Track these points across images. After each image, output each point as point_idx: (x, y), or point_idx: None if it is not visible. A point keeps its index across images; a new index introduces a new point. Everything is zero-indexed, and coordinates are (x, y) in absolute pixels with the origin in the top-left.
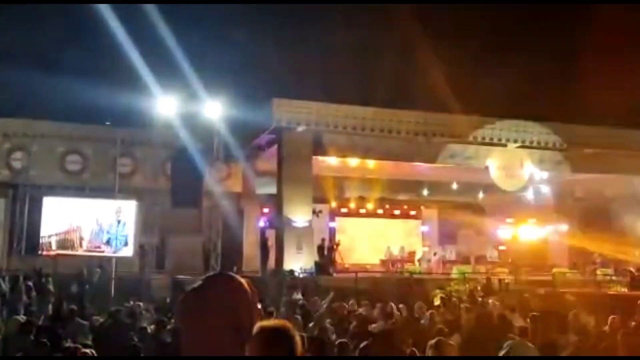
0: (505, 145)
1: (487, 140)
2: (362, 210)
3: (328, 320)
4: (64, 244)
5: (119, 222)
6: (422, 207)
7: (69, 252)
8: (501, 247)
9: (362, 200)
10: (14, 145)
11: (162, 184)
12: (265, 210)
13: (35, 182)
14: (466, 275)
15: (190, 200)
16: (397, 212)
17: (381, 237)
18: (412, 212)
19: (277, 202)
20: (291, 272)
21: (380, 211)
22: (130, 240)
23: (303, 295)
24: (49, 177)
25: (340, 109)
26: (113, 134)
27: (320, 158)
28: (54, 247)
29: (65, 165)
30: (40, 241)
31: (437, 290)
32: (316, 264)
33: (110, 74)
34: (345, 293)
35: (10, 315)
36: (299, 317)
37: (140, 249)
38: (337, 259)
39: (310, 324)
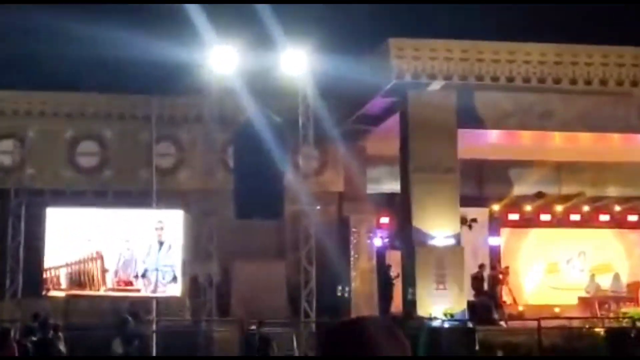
0: None
1: None
2: (545, 217)
3: None
4: (78, 279)
5: (160, 244)
6: None
7: (87, 291)
8: None
9: (543, 199)
10: (0, 130)
11: (220, 183)
12: (384, 220)
13: (33, 185)
14: None
15: (264, 207)
16: (604, 217)
17: (579, 260)
18: (632, 218)
19: (401, 206)
20: (430, 319)
21: (575, 217)
22: (178, 272)
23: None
24: (53, 177)
25: (500, 47)
26: (146, 108)
27: (469, 132)
28: (64, 284)
29: (76, 158)
30: (44, 275)
31: None
32: (471, 306)
33: (139, 15)
34: (520, 353)
35: None
36: None
37: (193, 284)
38: (506, 297)
39: None
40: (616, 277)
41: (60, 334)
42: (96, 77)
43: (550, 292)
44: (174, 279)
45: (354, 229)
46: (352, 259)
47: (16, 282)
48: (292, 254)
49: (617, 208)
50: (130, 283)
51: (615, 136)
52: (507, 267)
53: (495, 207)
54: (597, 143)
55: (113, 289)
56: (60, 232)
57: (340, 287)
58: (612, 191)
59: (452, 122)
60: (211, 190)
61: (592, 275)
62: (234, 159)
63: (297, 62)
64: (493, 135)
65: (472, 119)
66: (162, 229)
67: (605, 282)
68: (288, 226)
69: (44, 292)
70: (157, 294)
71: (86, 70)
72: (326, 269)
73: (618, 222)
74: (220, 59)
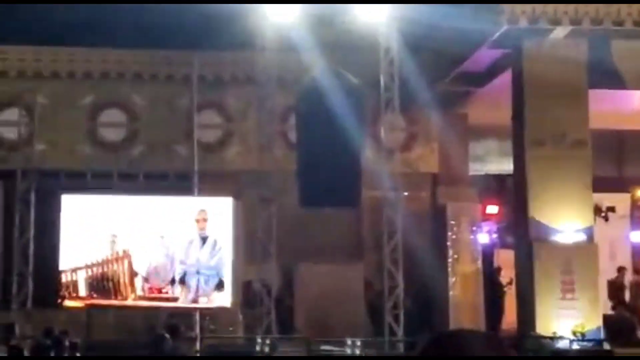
0: None
1: None
2: None
3: None
4: (101, 285)
5: (203, 240)
6: None
7: (112, 301)
8: None
9: None
10: (2, 96)
11: (280, 162)
12: (491, 209)
13: (44, 164)
14: None
15: (336, 194)
16: None
17: None
18: None
19: (515, 191)
20: (553, 339)
21: None
22: (227, 277)
23: None
24: (68, 155)
25: None
26: (185, 67)
27: (604, 94)
28: (83, 291)
29: (98, 130)
30: (62, 278)
31: None
32: (607, 321)
33: None
34: None
35: None
36: None
37: (246, 292)
38: None
39: None
40: None
41: (78, 354)
42: (122, 28)
43: None
44: (220, 285)
45: (452, 222)
46: (450, 260)
47: (25, 288)
48: (372, 254)
49: None
50: (165, 291)
51: None
52: None
53: None
54: None
55: (144, 298)
56: (79, 224)
57: (434, 296)
58: None
59: (581, 81)
60: (268, 172)
61: None
62: (297, 131)
63: (378, 6)
64: (637, 98)
65: (608, 77)
66: (205, 220)
67: None
68: (367, 218)
69: (58, 300)
70: (200, 304)
71: (109, 20)
72: (416, 273)
73: None
74: (278, 3)
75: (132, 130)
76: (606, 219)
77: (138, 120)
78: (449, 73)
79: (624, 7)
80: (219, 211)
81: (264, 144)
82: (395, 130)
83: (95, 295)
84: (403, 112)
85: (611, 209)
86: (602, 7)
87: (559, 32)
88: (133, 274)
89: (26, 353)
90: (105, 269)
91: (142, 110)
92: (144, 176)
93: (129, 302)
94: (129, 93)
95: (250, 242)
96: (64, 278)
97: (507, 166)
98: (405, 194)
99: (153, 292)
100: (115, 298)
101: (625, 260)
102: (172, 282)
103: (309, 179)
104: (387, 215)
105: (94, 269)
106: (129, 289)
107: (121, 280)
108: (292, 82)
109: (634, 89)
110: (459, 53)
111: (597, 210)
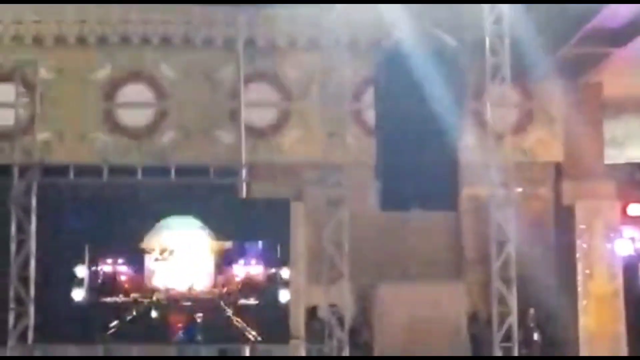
0: None
1: None
2: None
3: None
4: None
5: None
6: None
7: None
8: None
9: None
10: None
11: (354, 152)
12: (634, 209)
13: (48, 157)
14: None
15: (427, 192)
16: None
17: None
18: None
19: None
20: None
21: None
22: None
23: None
24: (79, 145)
25: None
26: (228, 27)
27: None
28: None
29: (116, 112)
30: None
31: None
32: None
33: None
34: None
35: None
36: None
37: (311, 319)
38: None
39: None
40: None
41: None
42: None
43: None
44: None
45: (582, 226)
46: (580, 277)
47: (25, 319)
48: (476, 269)
49: None
50: None
51: None
52: None
53: None
54: None
55: None
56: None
57: (558, 326)
58: None
59: None
60: (338, 165)
61: None
62: (377, 111)
63: None
64: None
65: None
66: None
67: None
68: (468, 223)
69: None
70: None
71: None
72: (533, 293)
73: None
74: None
75: (160, 112)
76: None
77: (168, 99)
78: (575, 32)
79: None
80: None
81: (332, 129)
82: (505, 108)
83: None
84: (515, 83)
85: None
86: None
87: None
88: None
89: None
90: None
91: (173, 85)
92: (177, 171)
93: None
94: (156, 63)
95: (315, 255)
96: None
97: None
98: (519, 191)
99: None
100: None
101: None
102: None
103: (391, 174)
104: (495, 219)
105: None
106: None
107: None
108: (368, 47)
109: None
110: (587, 5)
111: None
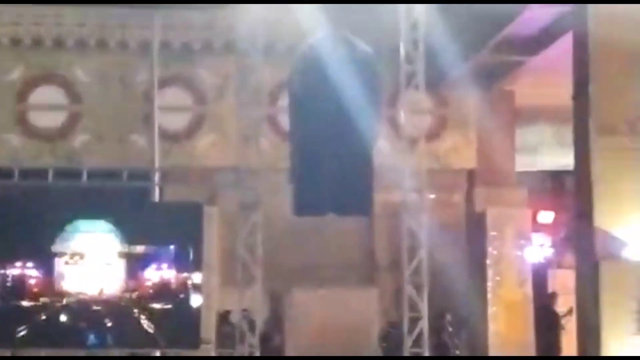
0: None
1: None
2: None
3: None
4: None
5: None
6: None
7: None
8: None
9: None
10: None
11: (268, 156)
12: (544, 217)
13: None
14: None
15: (341, 197)
16: None
17: None
18: None
19: (576, 194)
20: None
21: None
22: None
23: None
24: None
25: None
26: (143, 30)
27: None
28: None
29: (28, 114)
30: None
31: None
32: None
33: None
34: None
35: None
36: None
37: (222, 325)
38: None
39: None
40: None
41: None
42: None
43: None
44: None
45: (493, 233)
46: (490, 283)
47: None
48: (388, 275)
49: None
50: None
51: None
52: None
53: None
54: None
55: None
56: None
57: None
58: None
59: None
60: (252, 170)
61: None
62: (291, 116)
63: None
64: None
65: None
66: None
67: None
68: (381, 229)
69: None
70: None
71: None
72: (446, 300)
73: None
74: None
75: (73, 115)
76: None
77: (82, 102)
78: (490, 39)
79: None
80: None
81: (247, 133)
82: (419, 114)
83: None
84: (430, 90)
85: None
86: None
87: None
88: None
89: None
90: None
91: (87, 88)
92: (89, 174)
93: None
94: (70, 65)
95: (229, 260)
96: None
97: (565, 160)
98: (432, 197)
99: None
100: None
101: None
102: None
103: (305, 178)
104: (408, 225)
105: None
106: None
107: None
108: (284, 51)
109: None
110: (502, 13)
111: None
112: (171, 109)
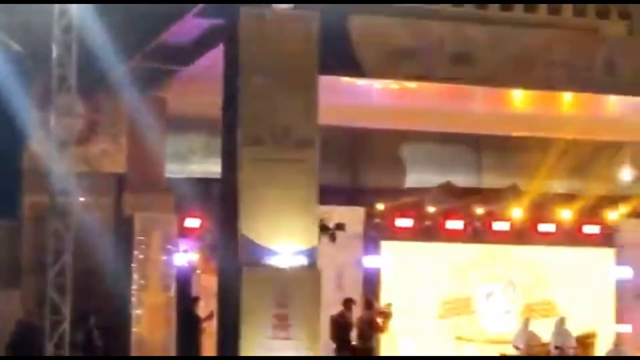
0: None
1: None
2: (455, 224)
3: None
4: None
5: None
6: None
7: None
8: None
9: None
10: None
11: None
12: (191, 222)
13: None
14: None
15: None
16: (547, 228)
17: (505, 295)
18: (590, 230)
19: (223, 201)
20: None
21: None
22: None
23: None
24: None
25: None
26: None
27: (339, 82)
28: None
29: None
30: None
31: None
32: None
33: None
34: None
35: None
36: None
37: None
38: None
39: None
40: (561, 323)
41: None
42: None
43: (456, 347)
44: None
45: (140, 237)
46: (134, 286)
47: None
48: (33, 278)
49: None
50: None
51: (568, 96)
52: (389, 305)
53: (379, 207)
54: (542, 106)
55: None
56: None
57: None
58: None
59: (310, 65)
60: None
61: (526, 320)
62: None
63: None
64: (378, 89)
65: (344, 61)
66: None
67: (545, 331)
68: (28, 231)
69: None
70: None
71: None
72: (92, 302)
73: (569, 235)
74: None
75: None
76: (333, 238)
77: None
78: (144, 46)
79: None
80: None
81: None
82: (70, 118)
83: None
84: (82, 94)
85: (340, 227)
86: None
87: (286, 3)
88: None
89: None
90: None
91: None
92: None
93: None
94: None
95: None
96: None
97: (215, 168)
98: (82, 200)
99: None
100: None
101: (355, 291)
102: None
103: None
104: (55, 227)
105: None
106: None
107: None
108: None
109: (377, 77)
110: (157, 21)
111: (323, 227)
112: None
